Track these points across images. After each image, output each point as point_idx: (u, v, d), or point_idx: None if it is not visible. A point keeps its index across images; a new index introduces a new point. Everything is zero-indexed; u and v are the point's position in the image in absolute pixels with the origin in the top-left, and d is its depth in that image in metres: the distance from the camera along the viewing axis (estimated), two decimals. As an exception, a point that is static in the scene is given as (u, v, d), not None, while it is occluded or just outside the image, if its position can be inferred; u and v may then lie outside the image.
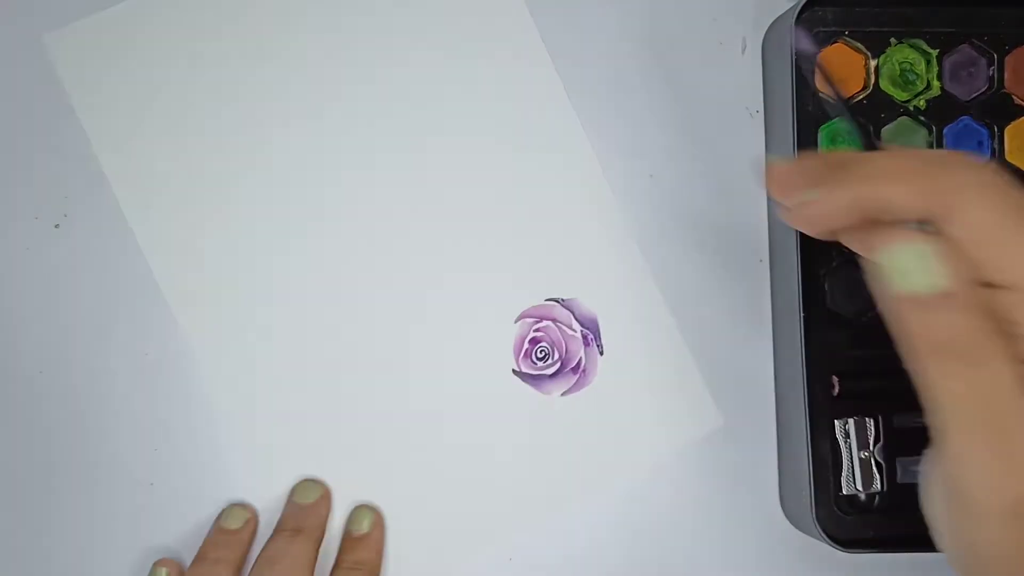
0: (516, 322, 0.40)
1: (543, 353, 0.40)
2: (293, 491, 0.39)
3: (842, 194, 0.25)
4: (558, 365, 0.40)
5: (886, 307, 0.24)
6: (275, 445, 0.39)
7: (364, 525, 0.39)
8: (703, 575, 0.40)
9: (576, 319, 0.41)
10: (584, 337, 0.40)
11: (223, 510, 0.39)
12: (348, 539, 0.39)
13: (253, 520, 0.39)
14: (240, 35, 0.40)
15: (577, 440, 0.40)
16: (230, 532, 0.38)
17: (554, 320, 0.40)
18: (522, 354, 0.40)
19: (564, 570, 0.40)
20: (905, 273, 0.23)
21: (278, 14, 0.40)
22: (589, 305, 0.41)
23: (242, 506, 0.39)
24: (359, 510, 0.39)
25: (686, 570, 0.40)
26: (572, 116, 0.41)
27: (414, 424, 0.40)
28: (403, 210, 0.40)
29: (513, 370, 0.40)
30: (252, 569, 0.37)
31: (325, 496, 0.39)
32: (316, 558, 0.37)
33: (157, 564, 0.38)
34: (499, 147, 0.41)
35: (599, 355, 0.40)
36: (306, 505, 0.38)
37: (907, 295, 0.23)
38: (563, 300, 0.41)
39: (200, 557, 0.38)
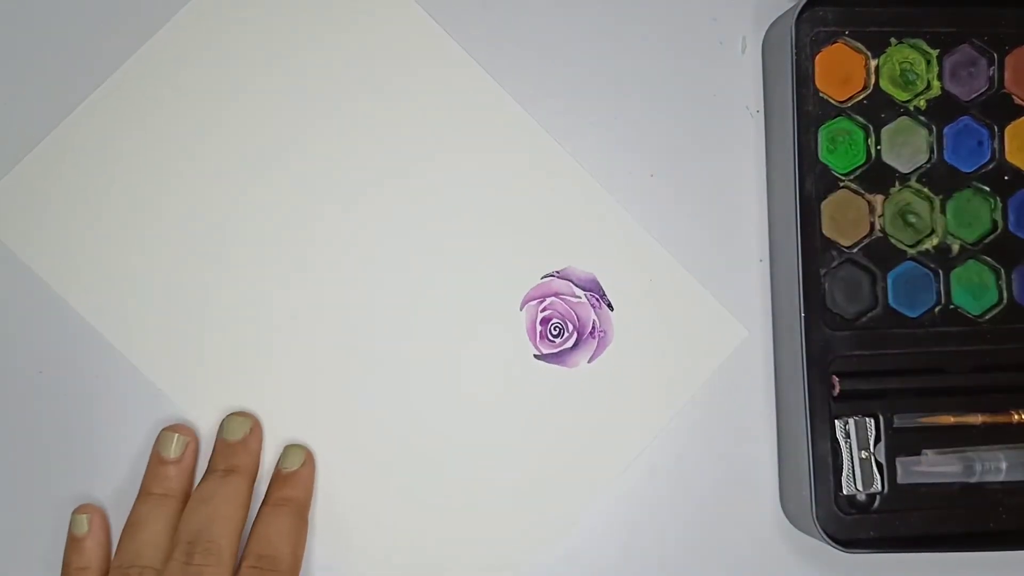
0: (522, 310, 0.40)
1: (557, 329, 0.40)
2: (221, 427, 0.39)
3: None
4: (575, 335, 0.40)
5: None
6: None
7: (293, 462, 0.38)
8: (703, 574, 0.40)
9: (576, 285, 0.41)
10: (590, 300, 0.40)
11: (159, 436, 0.38)
12: (277, 475, 0.39)
13: (193, 443, 0.38)
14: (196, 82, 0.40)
15: (618, 399, 0.40)
16: (171, 461, 0.37)
17: (556, 294, 0.40)
18: (538, 337, 0.40)
19: (564, 570, 0.40)
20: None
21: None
22: (583, 268, 0.41)
23: (178, 429, 0.38)
24: (291, 447, 0.39)
25: (686, 569, 0.40)
26: (520, 111, 0.41)
27: (451, 431, 0.40)
28: (387, 226, 0.40)
29: (535, 355, 0.40)
30: (186, 508, 0.36)
31: (255, 430, 0.38)
32: (250, 494, 0.37)
33: (76, 512, 0.37)
34: (457, 150, 0.41)
35: (610, 312, 0.40)
36: (235, 442, 0.38)
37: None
38: (557, 272, 0.41)
39: (144, 492, 0.37)
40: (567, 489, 0.40)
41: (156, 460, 0.38)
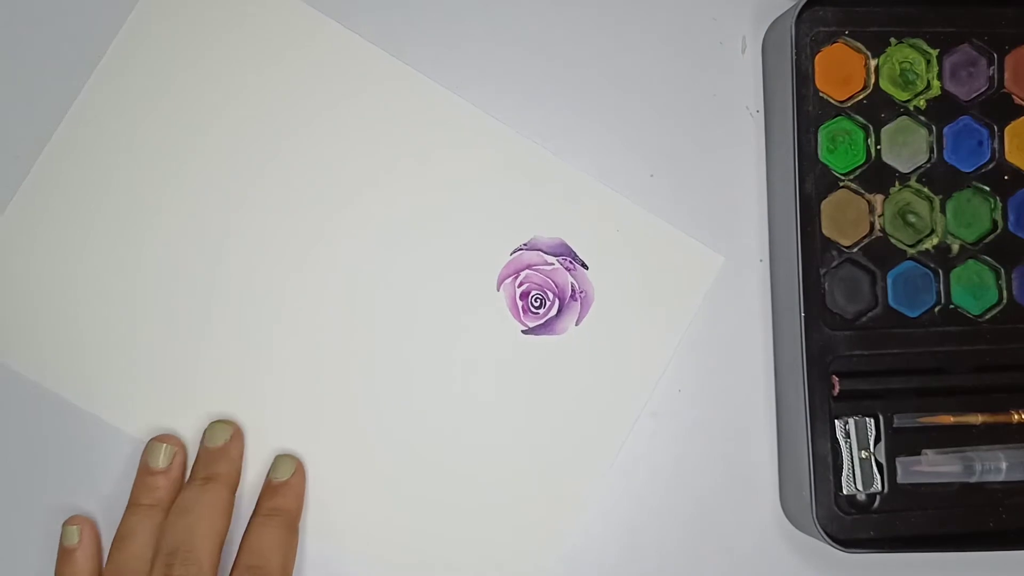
0: (500, 291, 0.40)
1: (538, 300, 0.40)
2: (204, 434, 0.38)
3: None
4: (557, 302, 0.40)
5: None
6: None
7: (284, 473, 0.38)
8: (703, 574, 0.40)
9: (546, 253, 0.41)
10: (563, 264, 0.40)
11: (146, 447, 0.38)
12: (267, 485, 0.38)
13: (181, 453, 0.38)
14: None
15: (614, 353, 0.40)
16: (158, 472, 0.37)
17: (529, 266, 0.40)
18: (522, 312, 0.40)
19: (564, 570, 0.40)
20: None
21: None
22: (549, 234, 0.41)
23: (166, 439, 0.38)
24: (281, 457, 0.39)
25: (686, 569, 0.40)
26: (455, 98, 0.41)
27: (451, 428, 0.40)
28: (358, 232, 0.40)
29: (522, 331, 0.40)
30: (167, 519, 0.36)
31: (236, 437, 0.38)
32: (232, 503, 0.37)
33: (67, 523, 0.37)
34: (410, 155, 0.41)
35: (586, 271, 0.40)
36: (216, 449, 0.38)
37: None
38: (525, 244, 0.41)
39: (132, 504, 0.37)
40: (578, 464, 0.40)
41: (144, 470, 0.38)
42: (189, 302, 0.40)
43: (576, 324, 0.41)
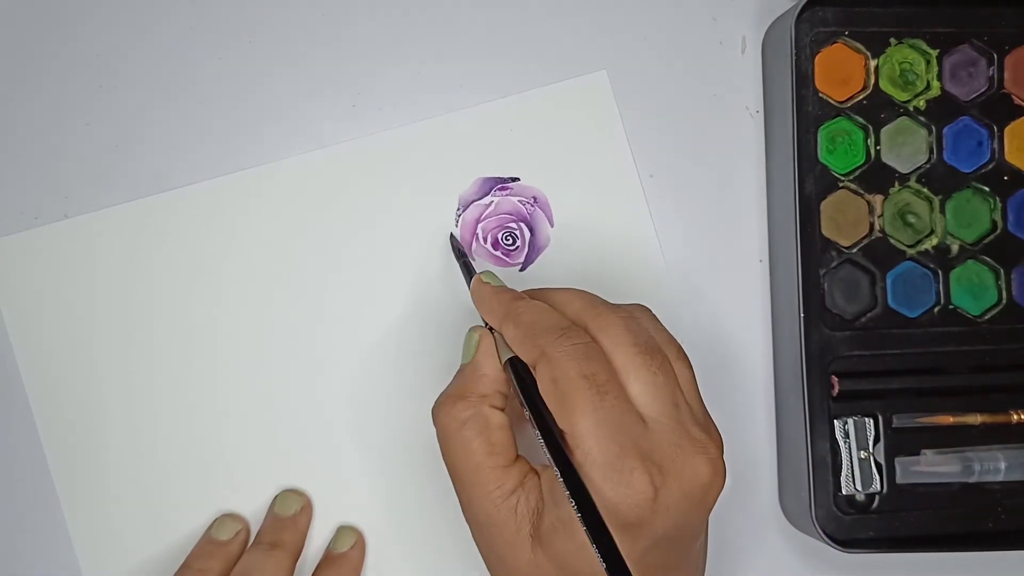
0: (467, 257, 0.40)
1: (509, 237, 0.40)
2: (274, 501, 0.39)
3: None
4: (523, 225, 0.40)
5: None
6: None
7: (343, 545, 0.38)
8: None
9: (478, 199, 0.40)
10: (499, 195, 0.40)
11: (215, 520, 0.38)
12: (326, 556, 0.39)
13: (244, 532, 0.38)
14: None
15: (600, 215, 0.41)
16: (219, 543, 0.38)
17: (476, 220, 0.40)
18: (506, 257, 0.40)
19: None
20: (464, 348, 0.33)
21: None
22: (466, 185, 0.40)
23: (234, 517, 0.39)
24: (343, 529, 0.39)
25: (685, 570, 0.40)
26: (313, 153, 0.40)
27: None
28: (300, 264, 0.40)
29: (519, 270, 0.40)
30: None
31: (306, 508, 0.38)
32: (292, 573, 0.37)
33: None
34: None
35: (519, 180, 0.40)
36: (285, 517, 0.38)
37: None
38: (458, 209, 0.40)
39: (185, 566, 0.37)
40: None
41: (206, 540, 0.38)
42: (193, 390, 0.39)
43: (552, 226, 0.41)
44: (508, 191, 0.40)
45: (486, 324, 0.34)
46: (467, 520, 0.32)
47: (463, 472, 0.31)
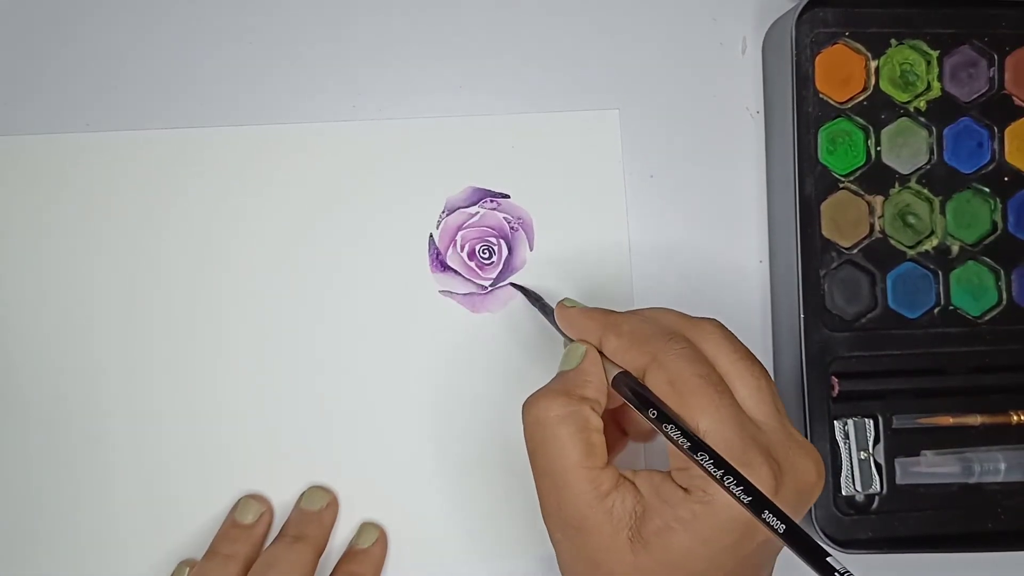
0: (444, 270, 0.40)
1: (486, 251, 0.40)
2: (301, 497, 0.39)
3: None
4: (502, 241, 0.40)
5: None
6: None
7: (366, 540, 0.38)
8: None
9: (465, 207, 0.40)
10: (486, 207, 0.40)
11: (237, 502, 0.39)
12: (349, 551, 0.39)
13: (268, 514, 0.38)
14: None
15: (577, 259, 0.40)
16: (243, 526, 0.38)
17: (459, 228, 0.40)
18: (480, 270, 0.40)
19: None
20: (564, 360, 0.33)
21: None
22: (456, 190, 0.40)
23: (257, 499, 0.39)
24: (365, 525, 0.39)
25: (685, 570, 0.40)
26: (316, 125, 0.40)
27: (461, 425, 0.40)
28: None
29: (487, 288, 0.40)
30: (250, 570, 0.36)
31: (332, 504, 0.39)
32: (315, 566, 0.37)
33: (182, 564, 0.38)
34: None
35: (509, 199, 0.40)
36: (311, 512, 0.38)
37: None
38: (443, 212, 0.40)
39: (211, 551, 0.37)
40: None
41: (230, 523, 0.38)
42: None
43: (531, 249, 0.40)
44: (496, 206, 0.40)
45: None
46: (552, 525, 0.31)
47: (556, 471, 0.30)
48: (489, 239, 0.40)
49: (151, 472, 0.39)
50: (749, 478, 0.27)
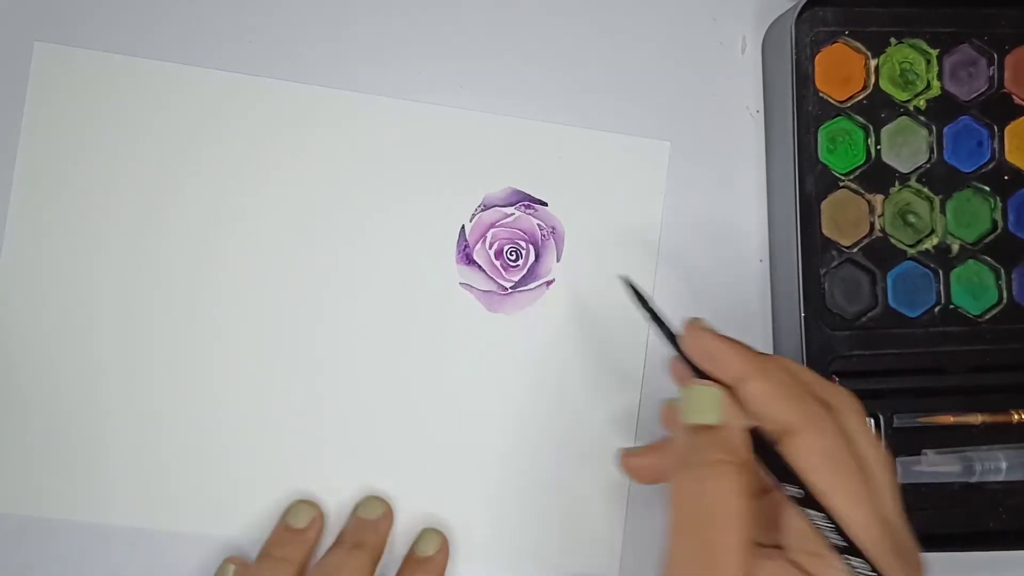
0: (469, 263, 0.40)
1: (513, 253, 0.40)
2: (357, 505, 0.39)
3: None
4: (532, 248, 0.40)
5: (674, 435, 0.30)
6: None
7: (429, 548, 0.38)
8: (703, 575, 0.40)
9: (502, 206, 0.40)
10: (523, 210, 0.40)
11: (289, 506, 0.38)
12: (411, 558, 0.38)
13: (319, 519, 0.38)
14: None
15: (601, 275, 0.40)
16: (296, 531, 0.38)
17: (491, 224, 0.40)
18: (503, 270, 0.40)
19: (561, 571, 0.40)
20: (692, 404, 0.29)
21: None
22: (497, 188, 0.40)
23: (309, 503, 0.38)
24: (427, 532, 0.39)
25: (686, 570, 0.40)
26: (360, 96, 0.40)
27: (480, 423, 0.40)
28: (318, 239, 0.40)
29: (508, 289, 0.40)
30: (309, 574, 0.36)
31: (387, 514, 0.39)
32: (375, 572, 0.37)
33: (227, 561, 0.38)
34: (338, 152, 0.40)
35: (546, 207, 0.40)
36: (368, 520, 0.38)
37: (688, 422, 0.29)
38: (479, 207, 0.40)
39: (264, 554, 0.37)
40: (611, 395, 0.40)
41: (283, 527, 0.38)
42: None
43: (558, 260, 0.40)
44: (532, 211, 0.40)
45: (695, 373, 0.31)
46: None
47: (715, 549, 0.27)
48: (519, 242, 0.40)
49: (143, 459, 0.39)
50: None
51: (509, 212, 0.40)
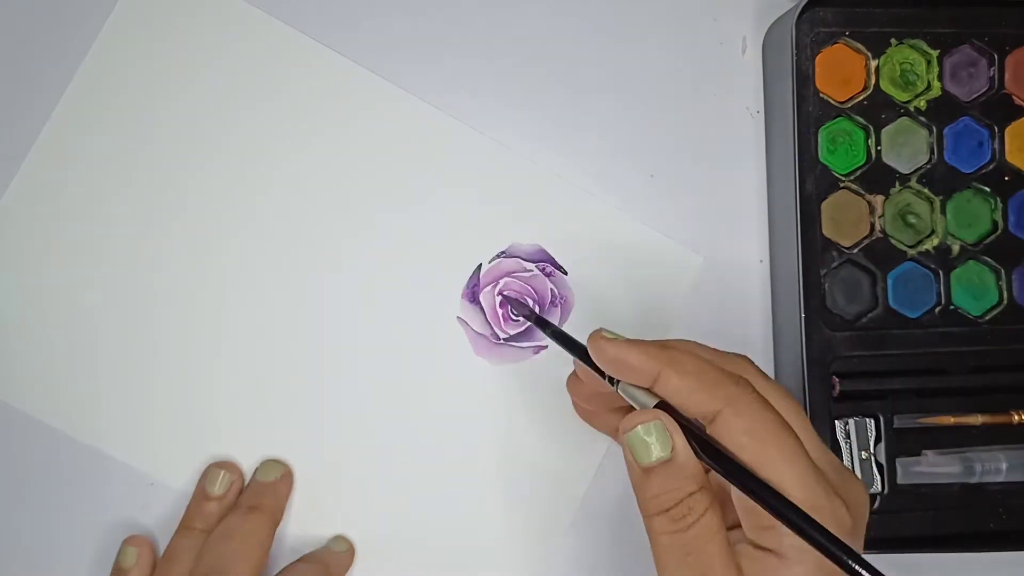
0: (474, 301, 0.40)
1: (517, 310, 0.40)
2: (256, 469, 0.39)
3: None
4: (537, 309, 0.40)
5: (631, 476, 0.30)
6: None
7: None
8: (703, 575, 0.40)
9: (524, 260, 0.40)
10: (542, 270, 0.40)
11: (206, 471, 0.39)
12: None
13: (239, 481, 0.39)
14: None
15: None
16: (214, 499, 0.38)
17: (508, 274, 0.40)
18: (502, 320, 0.40)
19: (560, 571, 0.40)
20: (639, 447, 0.29)
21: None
22: (527, 241, 0.41)
23: (224, 466, 0.39)
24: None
25: (686, 570, 0.40)
26: (426, 107, 0.41)
27: (448, 445, 0.40)
28: (332, 242, 0.40)
29: (503, 339, 0.40)
30: (206, 543, 0.36)
31: (286, 476, 0.39)
32: (271, 536, 0.37)
33: (126, 542, 0.38)
34: (375, 157, 0.40)
35: (565, 276, 0.40)
36: (266, 483, 0.38)
37: (642, 465, 0.29)
38: (503, 252, 0.40)
39: (184, 526, 0.38)
40: (577, 451, 0.40)
41: (200, 495, 0.38)
42: (184, 323, 0.40)
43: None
44: (550, 274, 0.40)
45: (610, 380, 0.31)
46: None
47: None
48: (528, 299, 0.40)
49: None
50: (836, 524, 0.27)
51: (528, 267, 0.40)
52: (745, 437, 0.28)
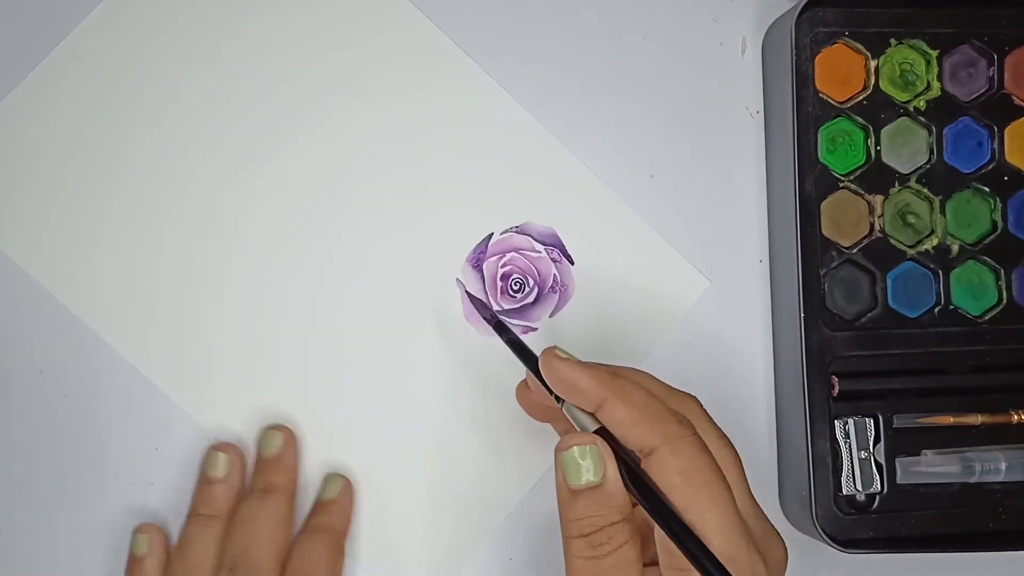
0: (480, 267, 0.40)
1: (518, 284, 0.40)
2: (258, 442, 0.39)
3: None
4: (536, 290, 0.40)
5: (558, 494, 0.30)
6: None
7: (332, 491, 0.38)
8: (703, 575, 0.40)
9: (536, 240, 0.40)
10: (550, 254, 0.40)
11: (206, 456, 0.38)
12: (316, 503, 0.39)
13: (239, 461, 0.38)
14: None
15: (581, 353, 0.40)
16: (218, 481, 0.38)
17: (516, 249, 0.40)
18: (499, 292, 0.40)
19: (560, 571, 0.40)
20: (571, 468, 0.29)
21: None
22: (542, 222, 0.41)
23: (224, 448, 0.38)
24: (329, 477, 0.39)
25: (686, 570, 0.40)
26: (474, 67, 0.41)
27: (412, 397, 0.40)
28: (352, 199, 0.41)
29: (496, 311, 0.40)
30: (228, 530, 0.36)
31: (288, 443, 0.38)
32: (291, 512, 0.37)
33: (138, 531, 0.38)
34: (412, 113, 0.41)
35: (571, 265, 0.40)
36: (271, 458, 0.38)
37: (570, 486, 0.29)
38: (517, 227, 0.40)
39: (192, 513, 0.37)
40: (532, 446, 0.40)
41: (204, 480, 0.38)
42: (211, 296, 0.40)
43: (550, 316, 0.40)
44: (557, 260, 0.40)
45: (556, 398, 0.31)
46: None
47: None
48: (529, 278, 0.40)
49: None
50: None
51: (538, 249, 0.40)
52: (678, 477, 0.28)
